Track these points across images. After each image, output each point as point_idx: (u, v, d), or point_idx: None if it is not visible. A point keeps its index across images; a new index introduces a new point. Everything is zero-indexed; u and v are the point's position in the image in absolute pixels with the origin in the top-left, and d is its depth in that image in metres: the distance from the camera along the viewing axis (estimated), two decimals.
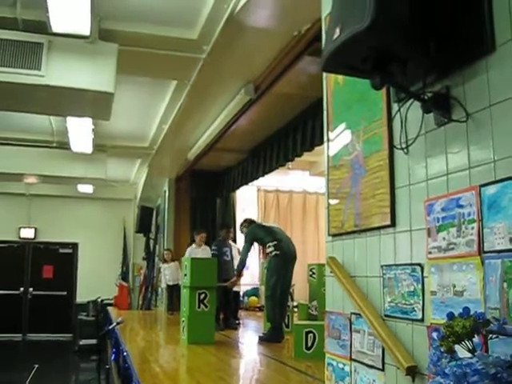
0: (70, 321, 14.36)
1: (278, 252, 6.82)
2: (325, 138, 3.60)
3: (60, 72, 5.07)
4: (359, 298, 2.97)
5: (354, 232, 3.14)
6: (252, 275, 13.25)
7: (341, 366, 3.26)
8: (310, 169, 11.70)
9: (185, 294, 6.74)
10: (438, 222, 2.39)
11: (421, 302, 2.52)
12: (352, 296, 3.03)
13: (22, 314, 14.68)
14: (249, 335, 8.31)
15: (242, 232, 7.81)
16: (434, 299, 2.42)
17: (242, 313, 10.09)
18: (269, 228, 7.31)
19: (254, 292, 12.61)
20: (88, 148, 9.11)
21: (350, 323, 3.14)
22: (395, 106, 2.75)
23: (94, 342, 10.63)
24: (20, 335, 14.54)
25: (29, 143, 9.92)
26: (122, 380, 5.78)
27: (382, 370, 2.81)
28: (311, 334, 5.39)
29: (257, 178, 9.56)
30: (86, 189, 13.09)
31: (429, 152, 2.51)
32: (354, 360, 3.10)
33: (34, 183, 12.49)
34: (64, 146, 9.52)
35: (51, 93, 5.16)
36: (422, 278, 2.51)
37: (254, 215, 13.35)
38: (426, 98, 2.40)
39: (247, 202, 13.15)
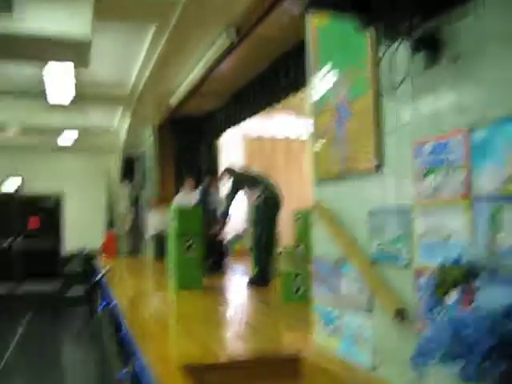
0: (58, 270, 14.41)
1: (263, 200, 6.81)
2: (308, 82, 3.52)
3: (34, 17, 4.89)
4: (346, 244, 2.97)
5: (340, 177, 3.11)
6: (238, 218, 13.25)
7: (328, 310, 3.29)
8: (297, 111, 11.55)
9: (172, 241, 6.74)
10: (426, 165, 2.36)
11: (408, 246, 2.51)
12: (339, 241, 3.02)
13: (11, 265, 14.73)
14: (236, 279, 8.38)
15: (220, 183, 7.68)
16: (421, 243, 2.42)
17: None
18: (253, 176, 7.24)
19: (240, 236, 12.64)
20: (66, 99, 8.90)
21: (338, 268, 3.14)
22: (381, 48, 2.67)
23: (83, 289, 10.67)
24: (11, 285, 14.61)
25: (4, 94, 9.69)
26: (112, 328, 5.81)
27: (370, 313, 2.83)
28: (299, 277, 5.43)
29: (240, 122, 9.45)
30: (66, 141, 12.90)
31: (416, 95, 2.45)
32: (342, 304, 3.12)
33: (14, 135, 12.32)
34: (42, 95, 9.30)
35: (25, 39, 4.99)
36: (410, 222, 2.50)
37: (240, 162, 13.31)
38: (414, 38, 2.32)
39: (232, 149, 13.03)
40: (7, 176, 14.55)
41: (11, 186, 14.70)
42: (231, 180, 7.32)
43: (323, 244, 3.33)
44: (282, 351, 3.48)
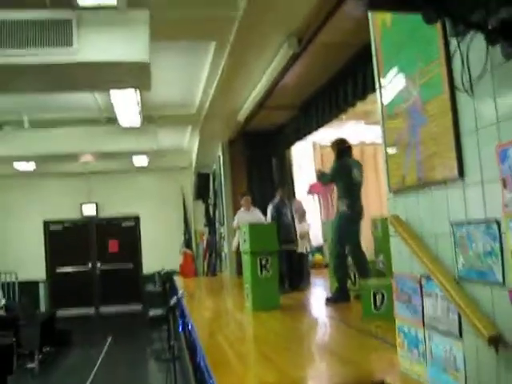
0: (138, 292, 14.60)
1: (349, 211, 6.44)
2: (376, 86, 3.28)
3: (92, 47, 4.87)
4: (428, 260, 2.69)
5: (417, 186, 2.85)
6: (314, 233, 13.03)
7: (413, 332, 3.01)
8: (366, 118, 11.22)
9: (246, 260, 6.59)
10: None
11: (500, 263, 2.22)
12: (420, 257, 2.75)
13: (92, 289, 15.04)
14: (315, 296, 8.12)
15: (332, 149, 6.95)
16: None
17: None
18: (352, 179, 6.57)
19: (319, 249, 12.40)
20: (136, 121, 8.99)
21: (421, 286, 2.87)
22: (454, 42, 2.41)
23: (162, 311, 10.69)
24: (93, 308, 14.92)
25: (78, 122, 9.91)
26: (190, 352, 5.71)
27: (460, 337, 2.54)
28: (379, 294, 5.14)
29: (310, 133, 9.22)
30: (141, 161, 13.06)
31: (497, 90, 2.17)
32: (428, 326, 2.84)
33: (89, 161, 12.56)
34: (113, 121, 9.44)
35: (86, 69, 4.99)
36: (500, 235, 2.21)
37: (312, 172, 13.08)
38: (490, 27, 2.04)
39: (304, 159, 12.83)
40: (85, 201, 14.90)
41: (89, 210, 15.05)
42: (335, 168, 6.73)
43: (403, 259, 3.06)
44: (366, 378, 3.20)
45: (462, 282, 2.49)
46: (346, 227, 6.47)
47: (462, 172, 2.44)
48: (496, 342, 2.22)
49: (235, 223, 9.40)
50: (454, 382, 2.61)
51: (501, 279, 2.22)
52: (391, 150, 3.12)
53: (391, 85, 3.10)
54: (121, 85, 6.00)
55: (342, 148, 6.77)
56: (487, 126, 2.25)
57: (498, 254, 2.23)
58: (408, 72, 2.89)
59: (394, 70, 3.04)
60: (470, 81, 2.25)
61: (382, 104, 3.22)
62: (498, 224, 2.21)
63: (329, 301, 6.43)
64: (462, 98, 2.40)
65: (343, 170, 6.57)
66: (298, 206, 9.44)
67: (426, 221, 2.78)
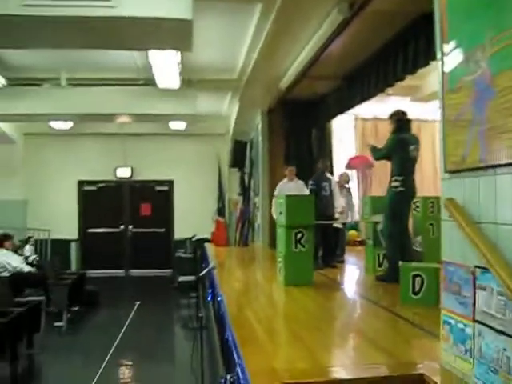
0: (169, 257, 14.59)
1: (403, 189, 6.12)
2: (438, 56, 2.98)
3: (133, 1, 4.64)
4: (487, 249, 2.43)
5: (479, 168, 2.57)
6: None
7: (461, 326, 2.76)
8: (412, 94, 10.82)
9: (280, 233, 6.38)
10: None
11: None
12: (477, 246, 2.48)
13: (123, 251, 15.08)
14: (349, 274, 7.90)
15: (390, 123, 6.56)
16: None
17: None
18: (408, 155, 6.21)
19: (354, 226, 12.15)
20: (175, 83, 8.80)
21: (474, 278, 2.61)
22: None
23: (192, 278, 10.62)
24: (123, 271, 15.00)
25: (116, 82, 9.75)
26: (218, 324, 5.56)
27: None
28: (419, 278, 4.89)
29: (353, 106, 8.91)
30: (178, 125, 12.90)
31: None
32: (478, 322, 2.59)
33: (126, 122, 12.44)
34: (151, 82, 9.25)
35: (126, 25, 4.77)
36: None
37: (352, 145, 12.76)
38: None
39: (344, 132, 12.50)
40: (120, 163, 14.84)
41: (124, 172, 15.01)
42: (391, 140, 6.36)
43: (455, 246, 2.80)
44: (403, 370, 2.98)
45: None
46: (398, 205, 6.18)
47: None
48: None
49: (276, 192, 9.10)
50: None
51: None
52: (451, 127, 2.83)
53: (455, 55, 2.80)
54: (162, 44, 5.77)
55: (401, 121, 6.39)
56: None
57: None
58: (476, 40, 2.58)
59: (460, 37, 2.74)
60: None
61: (442, 76, 2.92)
62: None
63: (379, 279, 6.22)
64: None
65: (400, 145, 6.19)
66: (343, 178, 9.23)
67: (487, 207, 2.51)
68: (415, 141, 6.30)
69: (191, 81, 9.44)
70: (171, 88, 9.11)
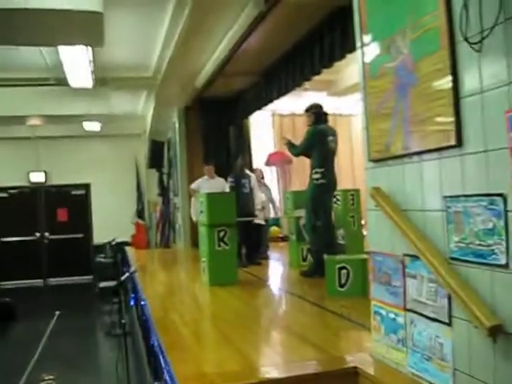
0: (88, 263, 14.09)
1: (324, 181, 6.08)
2: (357, 44, 2.95)
3: None
4: (416, 237, 2.41)
5: (403, 156, 2.55)
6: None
7: (392, 316, 2.75)
8: (328, 88, 10.94)
9: (203, 232, 6.24)
10: None
11: (504, 243, 1.96)
12: (406, 234, 2.46)
13: (40, 259, 14.46)
14: (274, 271, 7.86)
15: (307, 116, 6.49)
16: None
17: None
18: (327, 147, 6.19)
19: (276, 222, 12.16)
20: (88, 82, 8.45)
21: (403, 267, 2.60)
22: None
23: (113, 283, 10.28)
24: (41, 280, 14.36)
25: (25, 82, 9.27)
26: (142, 329, 5.37)
27: (449, 324, 2.28)
28: (344, 270, 4.89)
29: (271, 102, 8.86)
30: (92, 126, 12.50)
31: (510, 48, 1.87)
32: (410, 310, 2.58)
33: (38, 125, 11.93)
34: (63, 82, 8.85)
35: (33, 17, 4.48)
36: (505, 212, 1.94)
37: (270, 142, 12.75)
38: None
39: (262, 128, 12.47)
40: (33, 168, 14.21)
41: (37, 177, 14.37)
42: (310, 132, 6.29)
43: (383, 236, 2.78)
44: (335, 365, 2.93)
45: (454, 264, 2.22)
46: (320, 197, 6.14)
47: (460, 140, 2.15)
48: (495, 332, 1.96)
49: (194, 186, 8.92)
50: (439, 372, 2.36)
51: (504, 261, 1.96)
52: (373, 116, 2.80)
53: (375, 41, 2.77)
54: (72, 39, 5.47)
55: (318, 113, 6.34)
56: (495, 87, 1.96)
57: (501, 233, 1.96)
58: (396, 26, 2.56)
59: (380, 24, 2.72)
60: (482, 34, 1.93)
61: (363, 64, 2.89)
62: (504, 199, 1.93)
63: (305, 275, 6.16)
64: (465, 55, 2.10)
65: (319, 137, 6.16)
66: (257, 174, 9.14)
67: (413, 194, 2.50)
68: (333, 132, 6.33)
69: (105, 79, 9.09)
70: (84, 87, 8.75)
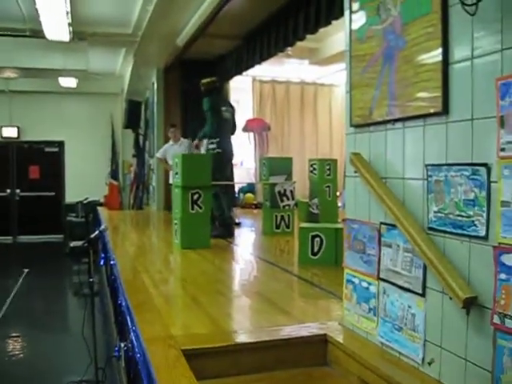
0: (59, 222, 13.89)
1: (220, 150, 6.74)
2: (345, 5, 2.85)
3: None
4: (394, 205, 2.35)
5: (386, 122, 2.48)
6: (248, 171, 12.73)
7: (365, 284, 2.71)
8: (310, 57, 10.79)
9: (176, 194, 6.14)
10: None
11: (484, 215, 1.91)
12: (384, 202, 2.41)
13: (10, 216, 14.21)
14: (247, 237, 7.81)
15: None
16: (506, 212, 1.81)
17: (237, 211, 9.55)
18: (220, 115, 6.86)
19: (250, 188, 12.12)
20: (65, 35, 8.19)
21: (379, 235, 2.55)
22: None
23: (84, 243, 10.15)
24: (10, 237, 14.13)
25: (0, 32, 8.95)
26: (111, 289, 5.29)
27: (422, 295, 2.24)
28: (318, 239, 4.86)
29: (253, 66, 8.72)
30: (68, 82, 12.19)
31: (506, 11, 1.79)
32: (383, 280, 2.54)
33: (12, 78, 11.58)
34: (39, 34, 8.55)
35: None
36: (489, 182, 1.88)
37: (249, 107, 12.63)
38: None
39: (242, 94, 12.31)
40: (5, 123, 13.85)
41: (10, 132, 14.03)
42: (208, 98, 6.93)
43: (360, 204, 2.73)
44: (305, 331, 2.89)
45: (432, 234, 2.17)
46: (217, 167, 6.51)
47: (446, 107, 2.08)
48: (469, 304, 1.93)
49: (159, 155, 9.12)
50: (409, 343, 2.33)
51: (483, 233, 1.91)
52: (358, 79, 2.72)
53: (364, 3, 2.67)
54: None
55: (213, 85, 7.03)
56: (486, 54, 1.88)
57: (482, 204, 1.91)
58: None
59: None
60: None
61: (350, 24, 2.79)
62: (488, 169, 1.87)
63: (214, 236, 6.37)
64: (457, 19, 2.02)
65: (213, 107, 6.79)
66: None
67: (394, 161, 2.43)
68: (227, 103, 7.05)
69: (83, 33, 8.81)
70: (61, 40, 8.48)
